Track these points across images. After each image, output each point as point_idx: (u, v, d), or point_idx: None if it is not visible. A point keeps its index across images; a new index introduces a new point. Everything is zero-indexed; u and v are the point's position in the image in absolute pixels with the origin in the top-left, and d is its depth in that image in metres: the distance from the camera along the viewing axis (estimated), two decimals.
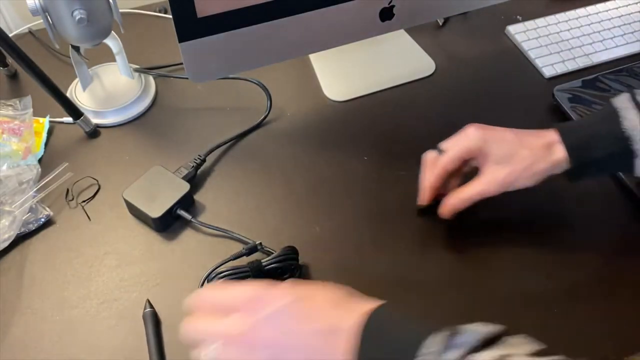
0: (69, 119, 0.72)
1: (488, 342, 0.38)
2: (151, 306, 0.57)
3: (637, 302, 0.58)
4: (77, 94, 0.78)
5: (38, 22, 0.87)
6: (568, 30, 0.88)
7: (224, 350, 0.42)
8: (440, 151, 0.60)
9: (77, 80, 0.77)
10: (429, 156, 0.62)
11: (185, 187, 0.64)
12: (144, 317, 0.57)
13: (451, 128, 0.61)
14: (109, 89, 0.79)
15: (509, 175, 0.56)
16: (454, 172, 0.61)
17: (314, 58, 0.84)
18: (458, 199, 0.59)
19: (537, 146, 0.56)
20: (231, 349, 0.42)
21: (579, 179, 0.57)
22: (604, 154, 0.55)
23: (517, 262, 0.62)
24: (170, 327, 0.57)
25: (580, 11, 0.90)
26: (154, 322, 0.56)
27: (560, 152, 0.56)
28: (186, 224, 0.65)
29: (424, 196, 0.62)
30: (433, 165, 0.61)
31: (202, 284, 0.58)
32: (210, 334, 0.43)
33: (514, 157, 0.56)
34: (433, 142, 0.62)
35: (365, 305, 0.42)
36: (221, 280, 0.56)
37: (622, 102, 0.55)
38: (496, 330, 0.39)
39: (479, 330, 0.39)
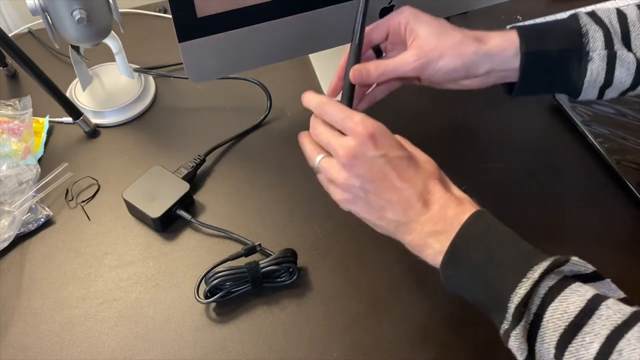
0: (69, 119, 0.72)
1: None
2: None
3: None
4: (76, 94, 0.78)
5: (38, 22, 0.87)
6: None
7: (328, 163, 0.48)
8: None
9: (76, 80, 0.77)
10: None
11: (185, 187, 0.64)
12: None
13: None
14: (109, 89, 0.79)
15: (435, 49, 0.52)
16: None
17: (314, 58, 0.84)
18: (374, 65, 0.53)
19: (470, 33, 0.53)
20: (333, 164, 0.47)
21: (525, 84, 0.53)
22: (556, 48, 0.52)
23: None
24: (170, 326, 0.57)
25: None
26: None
27: (494, 41, 0.52)
28: (186, 224, 0.65)
29: (338, 74, 0.55)
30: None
31: (199, 284, 0.58)
32: (325, 142, 0.48)
33: (443, 35, 0.52)
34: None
35: (469, 203, 0.46)
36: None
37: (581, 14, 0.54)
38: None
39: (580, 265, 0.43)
